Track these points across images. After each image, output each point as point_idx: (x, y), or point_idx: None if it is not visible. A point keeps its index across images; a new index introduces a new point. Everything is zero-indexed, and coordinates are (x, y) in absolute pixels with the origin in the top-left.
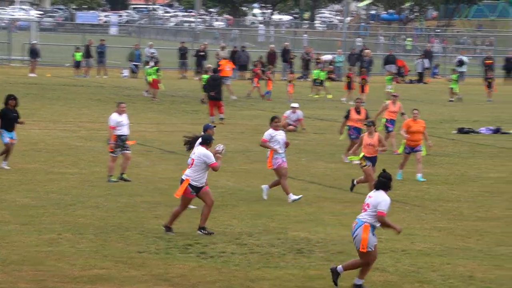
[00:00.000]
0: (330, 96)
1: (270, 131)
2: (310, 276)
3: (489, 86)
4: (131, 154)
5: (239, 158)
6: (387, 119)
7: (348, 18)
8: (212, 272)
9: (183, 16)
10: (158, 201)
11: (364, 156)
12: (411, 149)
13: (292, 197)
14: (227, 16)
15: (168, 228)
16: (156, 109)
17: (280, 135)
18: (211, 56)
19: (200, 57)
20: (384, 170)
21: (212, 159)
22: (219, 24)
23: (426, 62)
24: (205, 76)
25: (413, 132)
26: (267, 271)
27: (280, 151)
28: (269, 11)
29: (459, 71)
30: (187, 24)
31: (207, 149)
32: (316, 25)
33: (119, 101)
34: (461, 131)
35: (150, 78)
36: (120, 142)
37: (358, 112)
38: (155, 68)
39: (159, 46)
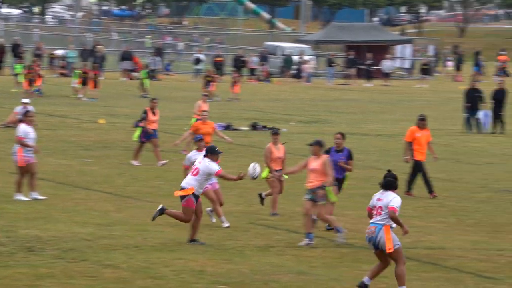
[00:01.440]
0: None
1: (24, 127)
2: (40, 274)
3: (233, 85)
4: None
5: None
6: (197, 119)
7: (80, 13)
8: None
9: None
10: None
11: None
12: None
13: (19, 196)
14: None
15: (193, 241)
16: None
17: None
18: None
19: None
20: (389, 171)
21: (215, 169)
22: None
23: (158, 60)
24: None
25: (203, 134)
26: None
27: (30, 149)
28: None
29: (196, 68)
30: None
31: (212, 160)
32: (47, 19)
33: None
34: None
35: None
36: None
37: (154, 113)
38: None
39: None
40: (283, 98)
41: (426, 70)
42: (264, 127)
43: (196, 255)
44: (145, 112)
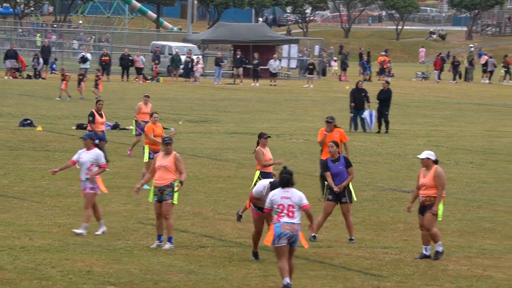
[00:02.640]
0: None
1: None
2: None
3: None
4: None
5: None
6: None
7: None
8: None
9: None
10: None
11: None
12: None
13: None
14: None
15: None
16: None
17: None
18: None
19: None
20: (285, 167)
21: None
22: None
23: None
24: None
25: (156, 136)
26: None
27: None
28: None
29: (82, 67)
30: None
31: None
32: None
33: None
34: (80, 127)
35: None
36: None
37: (101, 115)
38: None
39: None
40: (171, 97)
41: (312, 70)
42: None
43: (84, 256)
44: (92, 115)
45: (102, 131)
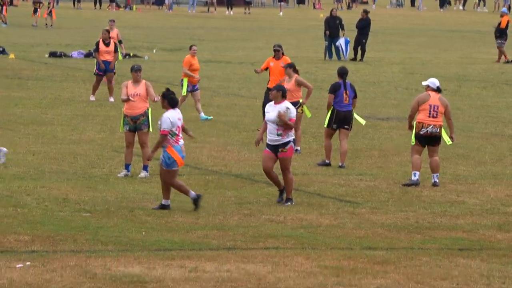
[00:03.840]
0: None
1: None
2: None
3: None
4: None
5: None
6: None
7: None
8: None
9: None
10: None
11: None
12: (193, 87)
13: None
14: None
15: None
16: None
17: None
18: None
19: None
20: (168, 89)
21: None
22: None
23: None
24: None
25: (194, 69)
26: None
27: None
28: None
29: None
30: None
31: None
32: None
33: None
34: (53, 55)
35: None
36: None
37: (107, 44)
38: None
39: None
40: (144, 26)
41: None
42: (127, 55)
43: (59, 183)
44: (97, 44)
45: (106, 60)
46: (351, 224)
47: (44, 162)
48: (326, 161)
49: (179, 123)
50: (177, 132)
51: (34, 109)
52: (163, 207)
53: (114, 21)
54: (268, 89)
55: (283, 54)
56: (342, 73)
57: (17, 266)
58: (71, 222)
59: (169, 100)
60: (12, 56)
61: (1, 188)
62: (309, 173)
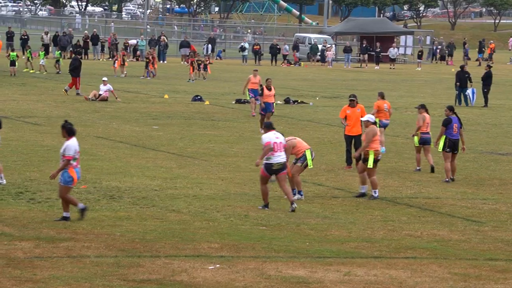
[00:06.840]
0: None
1: None
2: (119, 216)
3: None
4: None
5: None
6: (249, 89)
7: (148, 10)
8: (39, 214)
9: (12, 6)
10: None
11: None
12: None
13: None
14: (50, 6)
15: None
16: None
17: None
18: (35, 39)
19: (24, 39)
20: (66, 121)
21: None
22: (43, 13)
23: (210, 47)
24: (13, 54)
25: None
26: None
27: None
28: (83, 3)
29: (242, 54)
30: (14, 12)
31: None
32: (123, 15)
33: None
34: (238, 101)
35: None
36: None
37: (269, 89)
38: None
39: None
40: (310, 79)
41: (420, 56)
42: (295, 101)
43: (242, 203)
44: (262, 89)
45: (270, 102)
46: (476, 239)
47: (230, 186)
48: (446, 179)
49: (78, 149)
50: (77, 157)
51: (223, 144)
52: (64, 218)
53: (257, 70)
54: (346, 136)
55: (357, 102)
56: (452, 109)
57: (209, 268)
58: (251, 233)
59: (67, 130)
60: (207, 102)
61: (197, 206)
62: (441, 197)
